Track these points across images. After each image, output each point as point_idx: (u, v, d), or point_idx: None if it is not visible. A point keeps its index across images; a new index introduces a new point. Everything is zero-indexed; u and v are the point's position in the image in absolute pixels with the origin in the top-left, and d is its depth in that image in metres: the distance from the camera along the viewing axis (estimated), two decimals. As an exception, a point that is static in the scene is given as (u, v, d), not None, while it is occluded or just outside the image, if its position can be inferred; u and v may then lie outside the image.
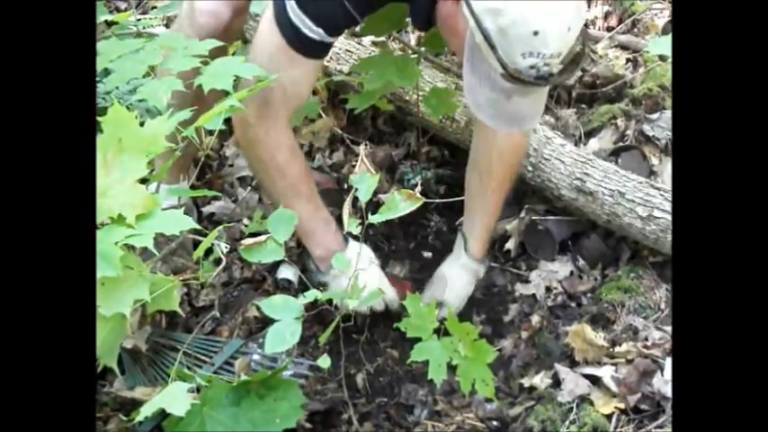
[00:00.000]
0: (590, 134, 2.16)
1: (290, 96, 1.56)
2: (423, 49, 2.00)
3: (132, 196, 1.09)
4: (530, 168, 1.94)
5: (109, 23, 2.33)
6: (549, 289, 1.90)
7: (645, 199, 1.81)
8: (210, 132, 1.45)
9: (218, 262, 1.51)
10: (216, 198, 2.11)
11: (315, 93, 2.23)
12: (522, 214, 2.00)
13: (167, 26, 2.39)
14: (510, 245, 2.00)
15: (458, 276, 1.84)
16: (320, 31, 1.45)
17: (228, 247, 1.69)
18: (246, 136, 1.61)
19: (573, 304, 1.87)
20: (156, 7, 2.48)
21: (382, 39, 2.39)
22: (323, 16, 1.44)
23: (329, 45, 1.52)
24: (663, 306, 1.79)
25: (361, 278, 1.49)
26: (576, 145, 2.05)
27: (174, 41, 1.46)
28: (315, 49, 1.50)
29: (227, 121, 1.47)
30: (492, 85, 1.34)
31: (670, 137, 2.08)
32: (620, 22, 2.62)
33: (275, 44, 1.48)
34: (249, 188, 2.13)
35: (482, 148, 1.78)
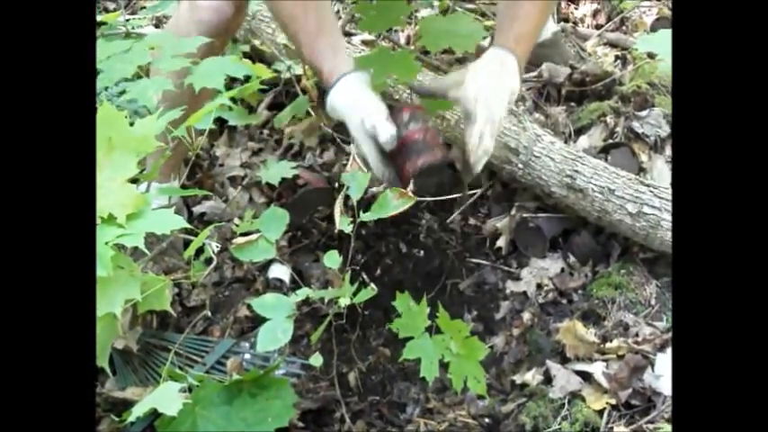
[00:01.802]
0: (580, 131, 2.17)
1: None
2: (412, 47, 2.00)
3: (122, 196, 1.08)
4: (520, 166, 1.94)
5: (98, 24, 2.32)
6: (540, 286, 1.91)
7: (635, 196, 1.81)
8: (201, 132, 1.46)
9: (209, 261, 1.51)
10: (207, 198, 2.11)
11: (305, 92, 2.23)
12: (513, 212, 2.00)
13: (157, 26, 2.39)
14: (501, 242, 2.00)
15: (480, 61, 1.47)
16: None
17: (219, 246, 1.69)
18: None
19: (564, 301, 1.88)
20: (144, 7, 2.48)
21: (372, 38, 2.40)
22: None
23: None
24: (653, 302, 1.80)
25: (356, 110, 1.42)
26: (565, 142, 2.06)
27: (164, 41, 1.45)
28: None
29: (218, 120, 1.48)
30: None
31: (659, 134, 2.09)
32: (609, 20, 2.64)
33: None
34: (240, 188, 2.13)
35: None
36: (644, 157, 2.04)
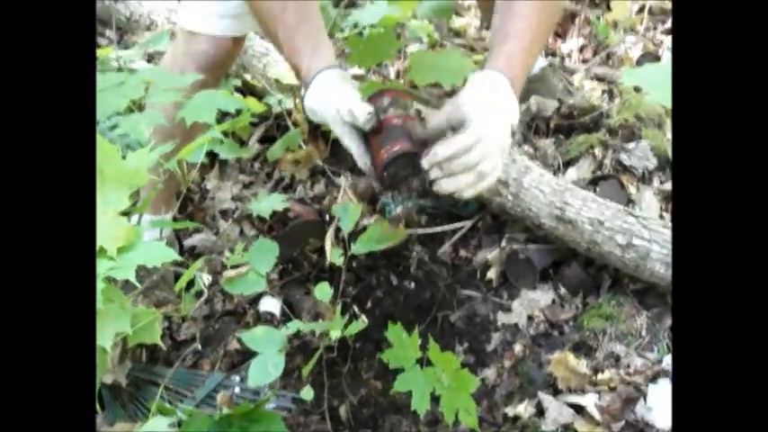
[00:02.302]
0: (568, 164, 2.18)
1: None
2: (402, 81, 2.02)
3: (114, 228, 1.09)
4: (510, 198, 1.95)
5: (90, 58, 2.34)
6: (530, 318, 1.91)
7: (624, 227, 1.83)
8: (193, 165, 1.46)
9: (199, 294, 1.50)
10: (197, 231, 2.11)
11: (296, 125, 2.24)
12: (503, 243, 2.01)
13: (149, 61, 2.41)
14: (491, 274, 2.01)
15: (474, 82, 1.36)
16: None
17: (211, 279, 1.69)
18: None
19: (555, 332, 1.88)
20: (136, 43, 2.50)
21: (362, 72, 2.43)
22: None
23: None
24: (644, 333, 1.80)
25: (331, 102, 1.35)
26: (555, 174, 2.07)
27: (157, 75, 1.47)
28: None
29: (209, 153, 1.49)
30: None
31: (647, 166, 2.11)
32: (596, 54, 2.67)
33: None
34: (230, 221, 2.14)
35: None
36: (632, 189, 2.06)
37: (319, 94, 1.37)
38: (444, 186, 1.30)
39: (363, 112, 1.30)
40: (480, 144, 1.27)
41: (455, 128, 1.30)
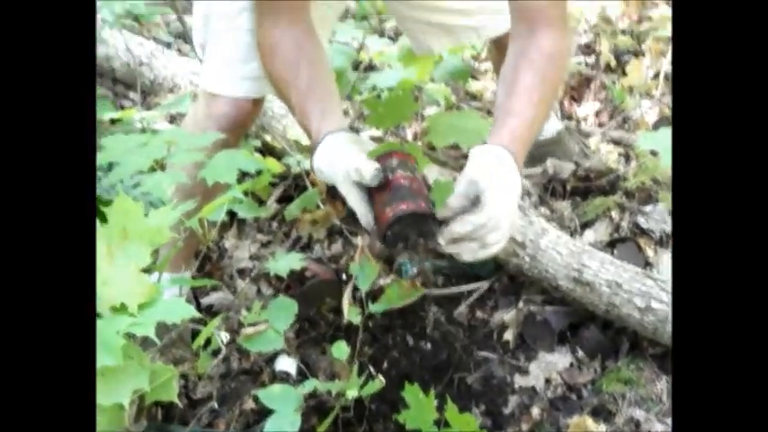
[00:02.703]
0: (585, 226, 2.19)
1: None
2: (419, 143, 2.05)
3: (135, 285, 1.10)
4: (527, 259, 1.96)
5: (113, 121, 2.39)
6: (548, 380, 1.89)
7: (642, 290, 1.82)
8: (213, 224, 1.48)
9: (216, 352, 1.51)
10: (215, 289, 2.12)
11: (314, 185, 2.27)
12: (520, 305, 2.00)
13: (171, 122, 2.46)
14: (508, 336, 2.00)
15: (479, 156, 1.38)
16: None
17: (228, 337, 1.69)
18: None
19: (573, 396, 1.86)
20: (159, 104, 2.55)
21: (380, 134, 2.46)
22: None
23: None
24: (664, 398, 1.78)
25: (339, 163, 1.37)
26: (572, 236, 2.08)
27: (179, 135, 1.50)
28: None
29: (228, 212, 1.51)
30: None
31: (664, 229, 2.11)
32: (612, 118, 2.70)
33: None
34: (248, 279, 2.15)
35: (508, 59, 1.50)
36: (650, 252, 2.06)
37: (327, 155, 1.40)
38: (448, 249, 1.32)
39: (371, 169, 1.31)
40: (492, 221, 1.30)
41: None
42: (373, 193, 1.34)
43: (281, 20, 1.50)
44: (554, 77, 1.50)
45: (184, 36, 2.81)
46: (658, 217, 2.13)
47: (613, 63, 2.91)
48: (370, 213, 1.35)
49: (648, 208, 2.16)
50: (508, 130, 1.41)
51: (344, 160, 1.35)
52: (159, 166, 1.44)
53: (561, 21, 1.50)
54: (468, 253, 1.33)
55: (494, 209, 1.30)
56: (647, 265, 2.02)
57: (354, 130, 2.40)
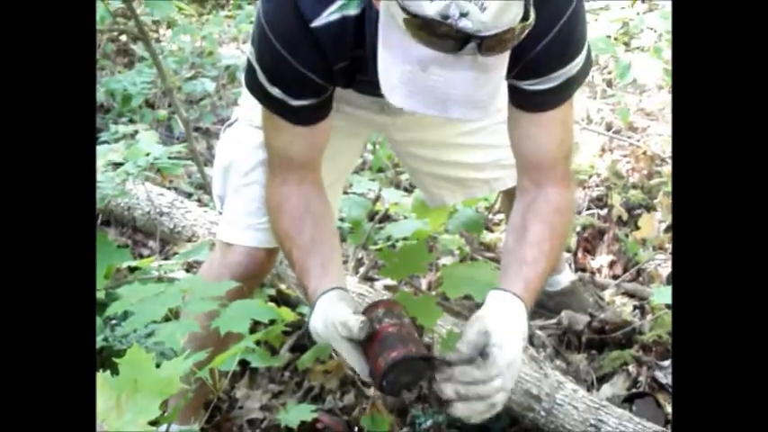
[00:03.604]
0: (602, 379, 2.15)
1: (289, 158, 1.54)
2: (434, 293, 2.06)
3: (142, 439, 1.08)
4: (542, 414, 1.91)
5: (131, 269, 2.43)
6: None
7: (662, 449, 1.76)
8: (224, 374, 1.47)
9: None
10: (224, 442, 2.07)
11: (328, 335, 2.26)
12: (537, 462, 1.94)
13: (188, 271, 2.49)
14: (526, 495, 1.92)
15: (496, 303, 1.42)
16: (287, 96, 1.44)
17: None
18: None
19: None
20: (177, 253, 2.59)
21: (394, 283, 2.47)
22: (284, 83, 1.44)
23: (313, 108, 1.48)
24: None
25: (330, 322, 1.38)
26: (588, 390, 2.04)
27: (194, 284, 1.52)
28: (293, 114, 1.48)
29: (240, 361, 1.51)
30: (404, 56, 1.16)
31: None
32: (626, 270, 2.70)
33: (263, 111, 1.53)
34: (258, 431, 2.10)
35: (516, 209, 1.55)
36: (669, 409, 2.01)
37: (320, 315, 1.42)
38: (458, 411, 1.32)
39: (356, 322, 1.33)
40: (501, 378, 1.32)
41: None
42: (365, 346, 1.37)
43: (291, 178, 1.56)
44: (562, 230, 1.54)
45: (205, 187, 2.89)
46: (677, 371, 2.10)
47: (625, 216, 2.95)
48: (366, 367, 1.37)
49: (666, 362, 2.12)
50: (523, 279, 1.44)
51: (333, 317, 1.38)
52: (173, 314, 1.45)
53: (567, 177, 1.57)
54: (478, 415, 1.33)
55: (503, 364, 1.32)
56: (667, 423, 1.96)
57: (369, 279, 2.42)
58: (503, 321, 1.37)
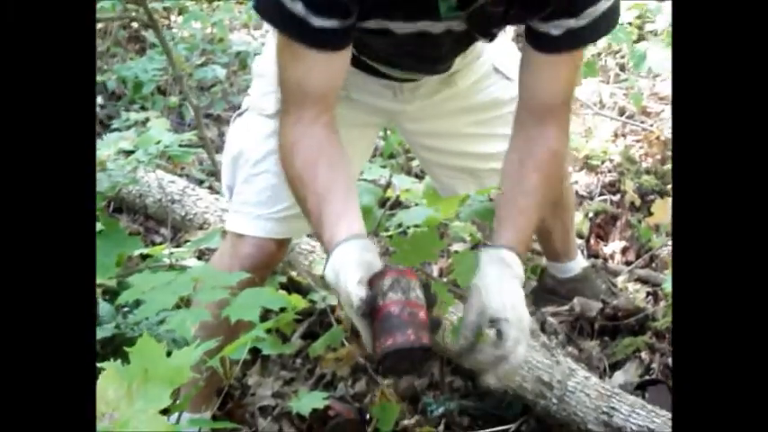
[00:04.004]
0: (614, 366, 2.14)
1: (304, 93, 1.45)
2: (445, 279, 2.05)
3: (153, 427, 1.08)
4: (554, 401, 1.91)
5: (143, 257, 2.43)
6: None
7: (675, 436, 1.75)
8: (235, 362, 1.47)
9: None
10: (236, 430, 2.08)
11: (339, 322, 2.26)
12: (549, 450, 1.94)
13: (199, 258, 2.49)
14: (537, 482, 1.92)
15: (489, 267, 1.45)
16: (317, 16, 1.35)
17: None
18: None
19: None
20: (189, 241, 2.60)
21: (405, 270, 2.46)
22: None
23: (334, 32, 1.39)
24: None
25: (340, 281, 1.32)
26: (600, 378, 2.03)
27: (205, 273, 1.51)
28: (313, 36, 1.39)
29: (252, 349, 1.51)
30: None
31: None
32: (638, 257, 2.69)
33: (278, 42, 1.46)
34: (269, 418, 2.11)
35: (514, 147, 1.58)
36: (682, 395, 2.00)
37: (334, 269, 1.35)
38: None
39: (356, 299, 1.27)
40: (520, 344, 1.36)
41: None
42: (371, 317, 1.29)
43: (305, 116, 1.46)
44: (556, 177, 1.63)
45: (216, 174, 2.89)
46: (690, 358, 2.08)
47: (638, 202, 2.93)
48: (370, 339, 1.30)
49: (679, 349, 2.11)
50: (516, 230, 1.50)
51: (342, 282, 1.31)
52: (184, 303, 1.45)
53: (567, 121, 1.59)
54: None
55: (515, 337, 1.35)
56: (679, 409, 1.95)
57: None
58: (500, 290, 1.39)
